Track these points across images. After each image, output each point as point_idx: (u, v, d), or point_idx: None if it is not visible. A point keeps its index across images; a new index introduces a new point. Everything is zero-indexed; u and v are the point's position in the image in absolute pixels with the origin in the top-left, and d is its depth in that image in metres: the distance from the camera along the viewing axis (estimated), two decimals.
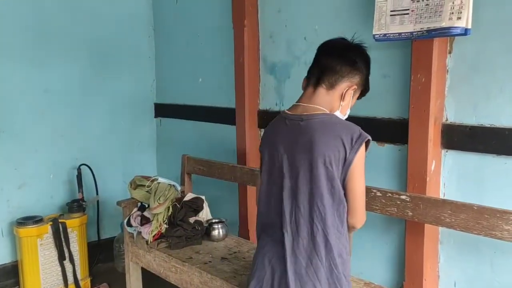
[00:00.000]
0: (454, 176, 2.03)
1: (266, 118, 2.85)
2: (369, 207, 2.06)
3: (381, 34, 2.00)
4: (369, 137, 1.49)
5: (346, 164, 1.47)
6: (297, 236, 1.50)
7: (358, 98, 1.67)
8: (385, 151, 2.25)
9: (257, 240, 1.68)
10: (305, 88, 1.65)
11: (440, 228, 2.08)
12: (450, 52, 1.97)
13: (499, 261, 1.91)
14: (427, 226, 2.02)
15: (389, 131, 2.23)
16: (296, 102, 1.64)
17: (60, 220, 3.03)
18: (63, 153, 3.36)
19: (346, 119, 1.61)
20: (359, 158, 1.48)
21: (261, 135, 1.76)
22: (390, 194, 2.01)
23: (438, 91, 1.98)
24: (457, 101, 1.98)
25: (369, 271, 2.32)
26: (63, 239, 3.03)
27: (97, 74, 3.51)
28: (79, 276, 3.14)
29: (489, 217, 1.71)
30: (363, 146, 1.48)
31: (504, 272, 1.91)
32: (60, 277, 3.07)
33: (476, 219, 1.74)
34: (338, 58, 1.57)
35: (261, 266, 1.58)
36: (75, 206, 3.16)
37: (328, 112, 1.56)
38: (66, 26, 3.32)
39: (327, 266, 1.48)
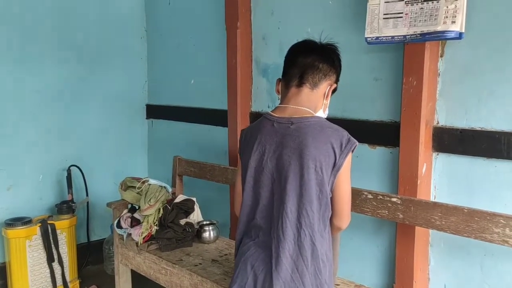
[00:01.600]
0: (444, 179, 2.04)
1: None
2: (360, 209, 2.07)
3: (373, 37, 2.01)
4: (357, 143, 1.50)
5: (335, 169, 1.47)
6: (283, 241, 1.48)
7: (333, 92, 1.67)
8: (377, 153, 2.26)
9: (238, 244, 1.65)
10: (284, 89, 1.62)
11: (431, 231, 2.08)
12: (441, 56, 1.99)
13: (489, 263, 1.92)
14: (417, 228, 2.03)
15: (380, 133, 2.24)
16: (281, 104, 1.62)
17: (49, 222, 2.99)
18: (52, 154, 3.33)
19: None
20: (348, 163, 1.49)
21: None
22: (381, 197, 2.01)
23: (430, 94, 1.99)
24: (448, 104, 2.00)
25: (360, 273, 2.32)
26: (52, 240, 3.00)
27: (89, 75, 3.48)
28: (67, 278, 3.11)
29: (479, 220, 1.72)
30: (351, 151, 1.49)
31: (493, 274, 1.92)
32: (49, 279, 3.03)
33: (466, 222, 1.75)
34: (318, 57, 1.57)
35: (243, 271, 1.55)
36: (64, 207, 3.13)
37: (314, 114, 1.57)
38: (57, 26, 3.29)
39: (312, 271, 1.47)
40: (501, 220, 1.66)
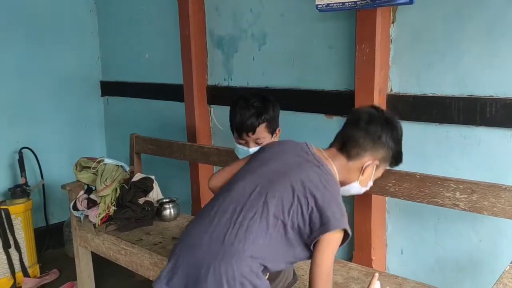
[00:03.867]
0: None
1: (215, 93, 2.79)
2: None
3: (323, 4, 1.96)
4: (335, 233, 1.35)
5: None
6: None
7: (390, 166, 1.61)
8: (334, 124, 2.24)
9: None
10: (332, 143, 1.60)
11: (387, 198, 2.11)
12: (393, 22, 1.96)
13: (442, 226, 1.97)
14: (374, 196, 2.05)
15: (336, 103, 2.22)
16: (323, 149, 1.58)
17: (2, 207, 2.87)
18: (2, 136, 3.18)
19: None
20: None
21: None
22: None
23: (382, 61, 1.98)
24: (400, 71, 1.99)
25: None
26: (6, 226, 2.89)
27: (36, 53, 3.31)
28: (26, 264, 3.01)
29: (430, 185, 1.74)
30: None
31: (446, 237, 1.96)
32: (6, 266, 2.93)
33: (418, 188, 1.77)
34: (361, 130, 1.51)
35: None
36: (18, 191, 3.01)
37: (337, 181, 1.50)
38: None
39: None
40: (452, 184, 1.69)
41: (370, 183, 1.59)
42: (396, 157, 1.57)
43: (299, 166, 1.47)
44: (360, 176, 1.53)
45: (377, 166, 1.54)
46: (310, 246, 1.36)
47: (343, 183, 1.53)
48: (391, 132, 1.53)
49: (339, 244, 1.38)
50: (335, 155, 1.54)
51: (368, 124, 1.52)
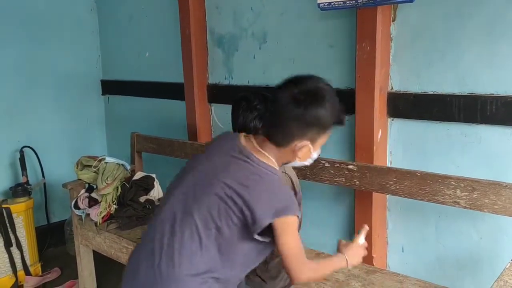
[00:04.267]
0: (399, 144, 2.06)
1: (215, 92, 2.79)
2: (318, 178, 2.07)
3: (325, 2, 1.96)
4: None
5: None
6: None
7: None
8: None
9: None
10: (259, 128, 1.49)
11: (388, 196, 2.11)
12: (393, 20, 1.97)
13: (443, 224, 1.97)
14: (374, 194, 2.05)
15: None
16: (255, 135, 1.47)
17: (3, 206, 2.88)
18: (3, 135, 3.19)
19: None
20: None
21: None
22: (338, 164, 2.01)
23: (383, 59, 1.98)
24: (401, 69, 1.99)
25: (320, 241, 2.34)
26: (8, 225, 2.89)
27: (37, 52, 3.32)
28: (28, 262, 3.02)
29: (431, 183, 1.74)
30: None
31: (447, 235, 1.97)
32: (8, 264, 2.94)
33: (419, 185, 1.78)
34: (281, 116, 1.36)
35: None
36: (19, 190, 3.01)
37: (275, 169, 1.42)
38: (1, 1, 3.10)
39: None
40: (452, 182, 1.69)
41: (315, 154, 1.43)
42: (335, 123, 1.39)
43: (227, 167, 1.40)
44: (296, 157, 1.41)
45: (313, 141, 1.38)
46: (254, 236, 1.33)
47: (285, 163, 1.47)
48: (312, 107, 1.32)
49: (295, 225, 1.35)
50: (265, 142, 1.42)
51: (286, 108, 1.33)
